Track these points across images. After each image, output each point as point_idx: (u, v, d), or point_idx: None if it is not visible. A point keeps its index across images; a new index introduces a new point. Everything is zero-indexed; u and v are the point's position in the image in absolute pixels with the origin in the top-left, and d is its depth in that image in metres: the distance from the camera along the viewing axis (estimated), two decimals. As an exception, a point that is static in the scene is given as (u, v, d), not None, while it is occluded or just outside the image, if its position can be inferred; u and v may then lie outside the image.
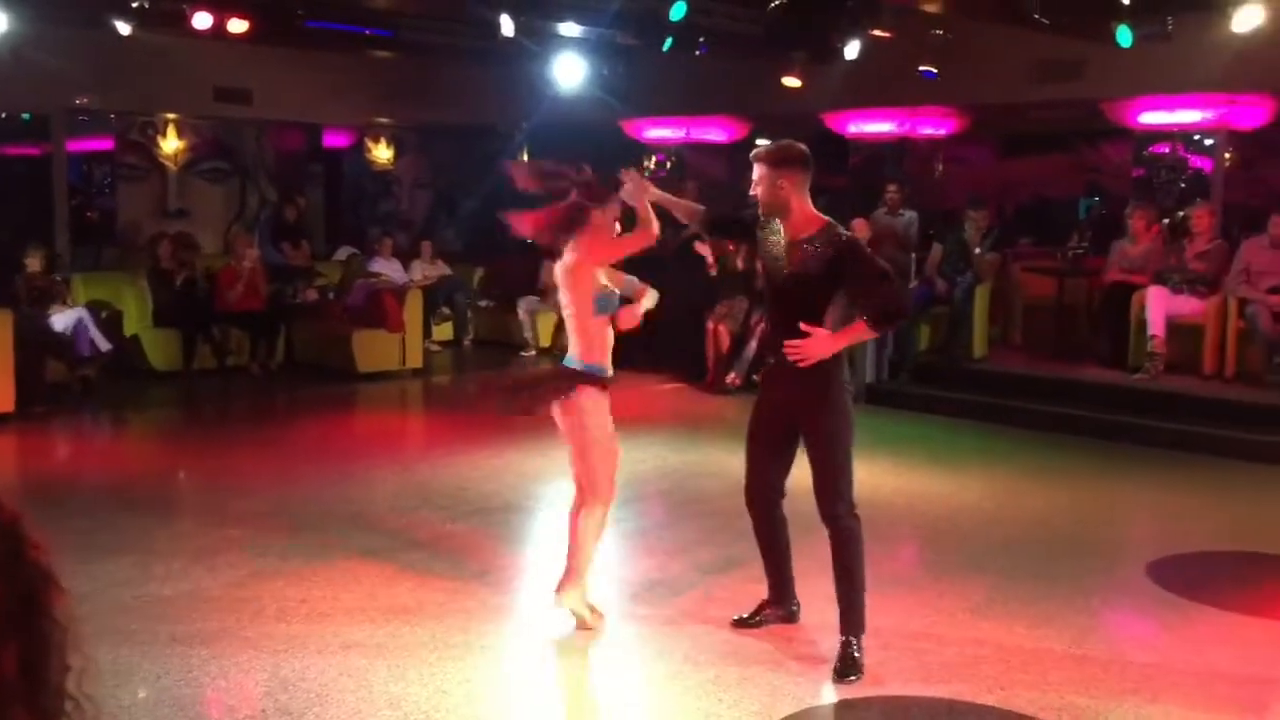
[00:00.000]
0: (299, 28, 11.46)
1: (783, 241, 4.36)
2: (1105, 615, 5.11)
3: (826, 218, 4.37)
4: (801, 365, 4.21)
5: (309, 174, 16.14)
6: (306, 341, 11.47)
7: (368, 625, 4.72)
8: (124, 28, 9.90)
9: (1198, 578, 5.57)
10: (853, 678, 4.20)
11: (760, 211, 4.41)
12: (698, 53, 10.72)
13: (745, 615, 4.76)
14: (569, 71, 11.35)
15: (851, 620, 4.31)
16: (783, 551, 4.70)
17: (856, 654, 4.26)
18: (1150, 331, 9.18)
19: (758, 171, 4.36)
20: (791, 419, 4.42)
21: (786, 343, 4.23)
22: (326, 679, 4.20)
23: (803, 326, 4.21)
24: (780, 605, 4.74)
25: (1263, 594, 5.34)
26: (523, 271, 13.20)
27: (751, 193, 4.38)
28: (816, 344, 4.22)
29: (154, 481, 7.29)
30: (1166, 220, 10.56)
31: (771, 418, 4.50)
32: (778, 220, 4.39)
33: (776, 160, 4.31)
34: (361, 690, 4.12)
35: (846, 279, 4.31)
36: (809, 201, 4.36)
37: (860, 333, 4.41)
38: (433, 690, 4.13)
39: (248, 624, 4.72)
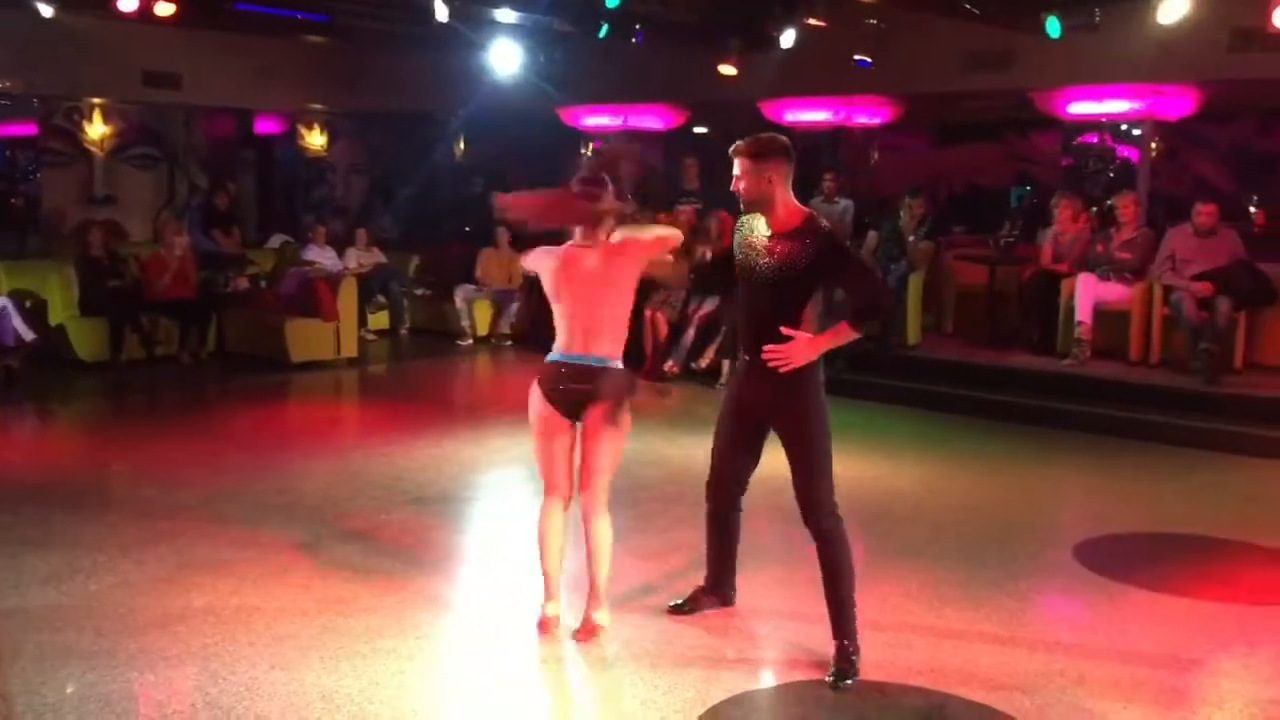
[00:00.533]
0: (228, 11, 11.27)
1: (764, 236, 4.23)
2: (1034, 597, 5.20)
3: (807, 209, 4.27)
4: (783, 371, 4.11)
5: (240, 160, 15.89)
6: (238, 330, 11.29)
7: (300, 617, 4.67)
8: (46, 9, 9.67)
9: (1123, 559, 5.69)
10: (849, 681, 4.12)
11: (743, 206, 4.28)
12: (634, 40, 10.71)
13: (680, 602, 4.78)
14: (505, 58, 11.29)
15: (843, 624, 4.21)
16: (731, 544, 4.69)
17: (853, 657, 4.18)
18: (1078, 318, 9.35)
19: (740, 166, 4.19)
20: (763, 416, 4.34)
21: (766, 348, 4.12)
22: (257, 672, 4.15)
23: (784, 330, 4.11)
24: (716, 592, 4.77)
25: (1184, 574, 5.46)
26: (459, 259, 13.13)
27: (734, 188, 4.24)
28: (799, 349, 4.10)
29: (80, 474, 7.14)
30: (1095, 209, 10.77)
31: (741, 413, 4.41)
32: (756, 216, 4.28)
33: (761, 153, 4.19)
34: (293, 683, 4.07)
35: (829, 274, 4.20)
36: (791, 194, 4.25)
37: (844, 333, 4.16)
38: (366, 683, 4.09)
39: (176, 618, 4.64)
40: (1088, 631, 4.81)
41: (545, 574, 4.53)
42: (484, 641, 4.59)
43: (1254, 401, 8.32)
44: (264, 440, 8.13)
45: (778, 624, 4.72)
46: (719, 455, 4.55)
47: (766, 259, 4.20)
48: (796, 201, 4.27)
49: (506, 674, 4.29)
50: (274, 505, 6.30)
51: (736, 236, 4.38)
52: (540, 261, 4.48)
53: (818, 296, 4.23)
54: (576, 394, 4.33)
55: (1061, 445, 8.14)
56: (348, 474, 7.05)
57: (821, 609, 4.27)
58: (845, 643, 4.21)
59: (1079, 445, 8.14)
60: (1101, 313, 9.40)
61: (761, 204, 4.23)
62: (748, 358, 4.34)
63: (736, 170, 4.24)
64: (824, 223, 4.23)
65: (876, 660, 4.29)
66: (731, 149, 4.28)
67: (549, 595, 4.55)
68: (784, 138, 4.32)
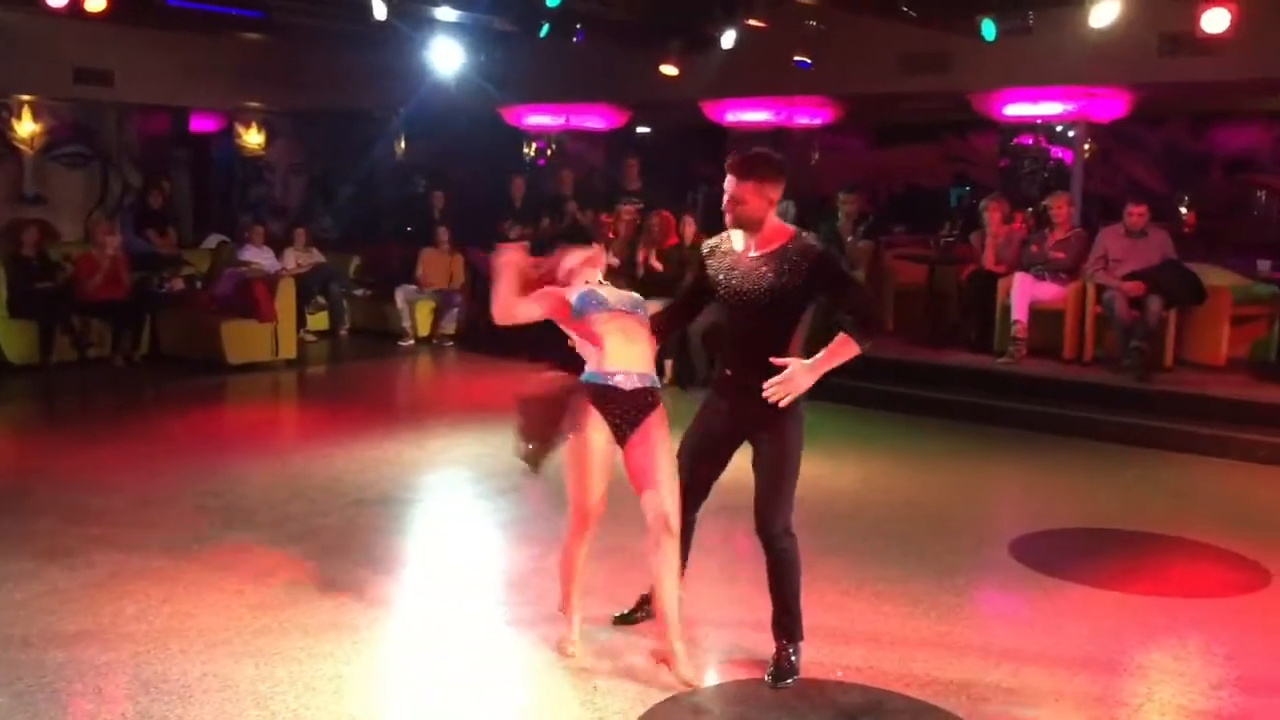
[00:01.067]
0: (161, 7, 11.07)
1: (751, 257, 4.09)
2: (971, 593, 5.26)
3: (793, 227, 4.15)
4: (782, 405, 3.98)
5: (175, 159, 15.63)
6: (173, 332, 11.10)
7: (234, 623, 4.60)
8: (-29, 4, 9.42)
9: (1058, 555, 5.78)
10: (789, 681, 4.12)
11: (730, 224, 4.13)
12: (574, 40, 10.69)
13: (626, 612, 4.71)
14: (446, 57, 11.19)
15: (787, 626, 4.20)
16: (685, 550, 4.53)
17: (793, 658, 4.17)
18: (1014, 317, 9.48)
19: (744, 188, 4.01)
20: (744, 432, 4.24)
21: (768, 385, 3.96)
22: (190, 680, 4.08)
23: (775, 360, 3.97)
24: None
25: (1117, 568, 5.56)
26: (400, 259, 13.02)
27: (729, 209, 4.07)
28: (799, 377, 3.96)
29: (8, 479, 6.97)
30: (1031, 209, 10.92)
31: (724, 429, 4.28)
32: (730, 237, 4.17)
33: (770, 176, 4.04)
34: (227, 690, 4.01)
35: (824, 291, 4.09)
36: (774, 212, 4.14)
37: (843, 351, 3.99)
38: (302, 688, 4.04)
39: (107, 625, 4.55)
40: (1024, 626, 4.88)
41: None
42: (423, 644, 4.56)
43: (1184, 398, 8.49)
44: (200, 444, 7.99)
45: (719, 625, 4.72)
46: (694, 465, 4.34)
47: (755, 279, 4.05)
48: (778, 219, 4.14)
49: (446, 677, 4.25)
50: (209, 509, 6.20)
51: (710, 260, 4.22)
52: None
53: (806, 315, 4.13)
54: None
55: (998, 442, 8.25)
56: (286, 477, 6.96)
57: (763, 611, 4.28)
58: (785, 643, 4.21)
59: (1015, 442, 8.26)
60: (1037, 311, 9.54)
61: (753, 224, 4.07)
62: (730, 373, 4.23)
63: (734, 191, 4.04)
64: (813, 239, 4.11)
65: (815, 658, 4.31)
66: (732, 167, 4.07)
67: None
68: (777, 154, 4.19)
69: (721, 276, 4.17)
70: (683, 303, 4.52)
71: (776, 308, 4.07)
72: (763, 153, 4.16)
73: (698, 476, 4.35)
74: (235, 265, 11.52)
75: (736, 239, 4.18)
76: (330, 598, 4.90)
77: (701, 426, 4.39)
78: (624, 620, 4.69)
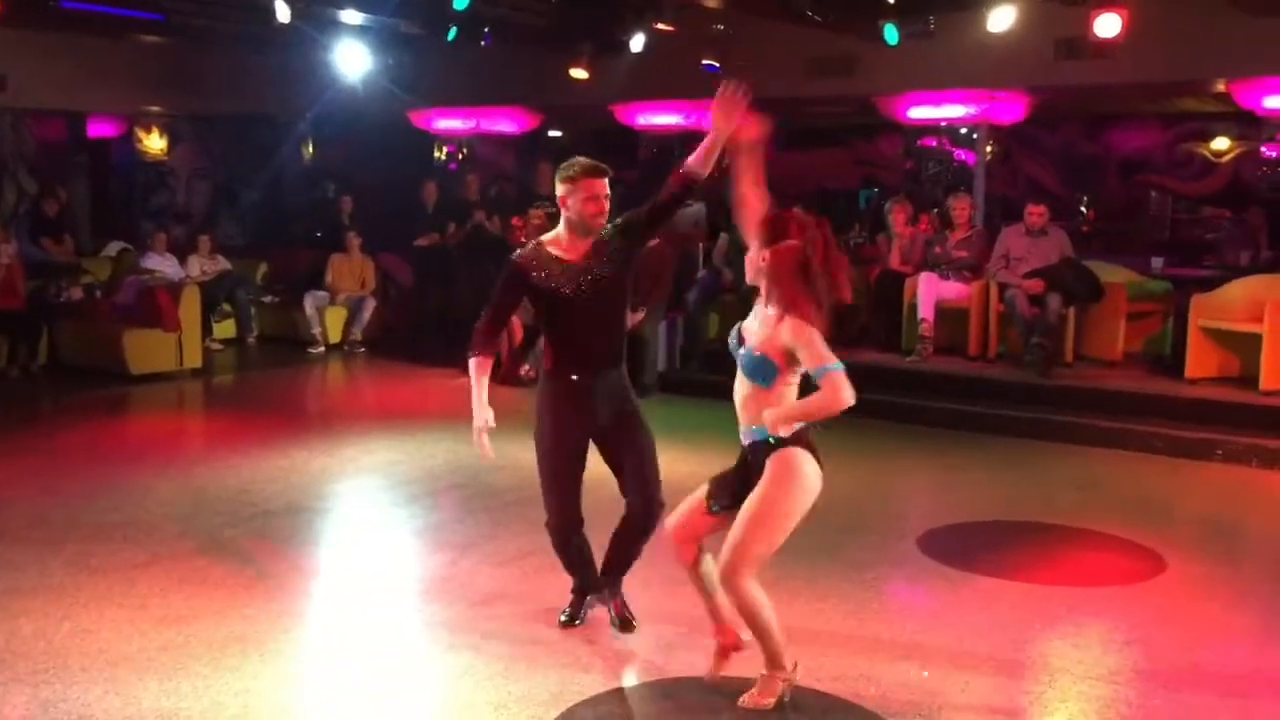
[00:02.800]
0: (56, 9, 10.76)
1: (568, 259, 4.29)
2: (879, 587, 5.34)
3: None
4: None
5: (73, 165, 15.21)
6: (73, 342, 10.79)
7: (137, 639, 4.49)
8: None
9: (964, 548, 5.91)
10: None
11: (585, 229, 4.31)
12: (483, 43, 10.64)
13: (569, 613, 4.68)
14: (352, 60, 11.06)
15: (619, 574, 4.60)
16: (591, 558, 4.63)
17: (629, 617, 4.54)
18: (920, 316, 9.66)
19: (605, 188, 4.29)
20: (598, 433, 4.39)
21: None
22: (90, 698, 3.97)
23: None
24: (596, 590, 4.67)
25: (1020, 560, 5.70)
26: (309, 265, 12.83)
27: (601, 210, 4.28)
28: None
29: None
30: (936, 210, 11.15)
31: (579, 438, 4.38)
32: (545, 244, 4.35)
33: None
34: (129, 708, 3.91)
35: (632, 240, 4.35)
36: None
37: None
38: (208, 703, 3.96)
39: (3, 646, 4.41)
40: (931, 618, 4.98)
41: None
42: (333, 655, 4.49)
43: (1084, 393, 8.74)
44: (100, 457, 7.78)
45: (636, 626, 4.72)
46: (566, 491, 4.43)
47: (585, 276, 4.26)
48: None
49: (355, 686, 4.20)
50: (110, 524, 6.04)
51: (535, 269, 4.30)
52: None
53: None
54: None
55: (907, 439, 8.40)
56: (191, 489, 6.81)
57: (671, 608, 4.31)
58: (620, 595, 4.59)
59: (923, 438, 8.41)
60: (942, 310, 9.73)
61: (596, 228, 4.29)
62: (576, 378, 4.33)
63: (605, 192, 4.25)
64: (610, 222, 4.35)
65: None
66: (599, 171, 4.28)
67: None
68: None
69: (549, 280, 4.29)
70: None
71: (612, 297, 4.31)
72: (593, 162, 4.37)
73: (571, 496, 4.47)
74: (137, 273, 11.24)
75: (554, 244, 4.35)
76: (236, 610, 4.81)
77: (554, 443, 4.42)
78: (570, 622, 4.67)
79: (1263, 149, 14.04)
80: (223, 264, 12.62)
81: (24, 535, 5.82)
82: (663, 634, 4.57)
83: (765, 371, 3.75)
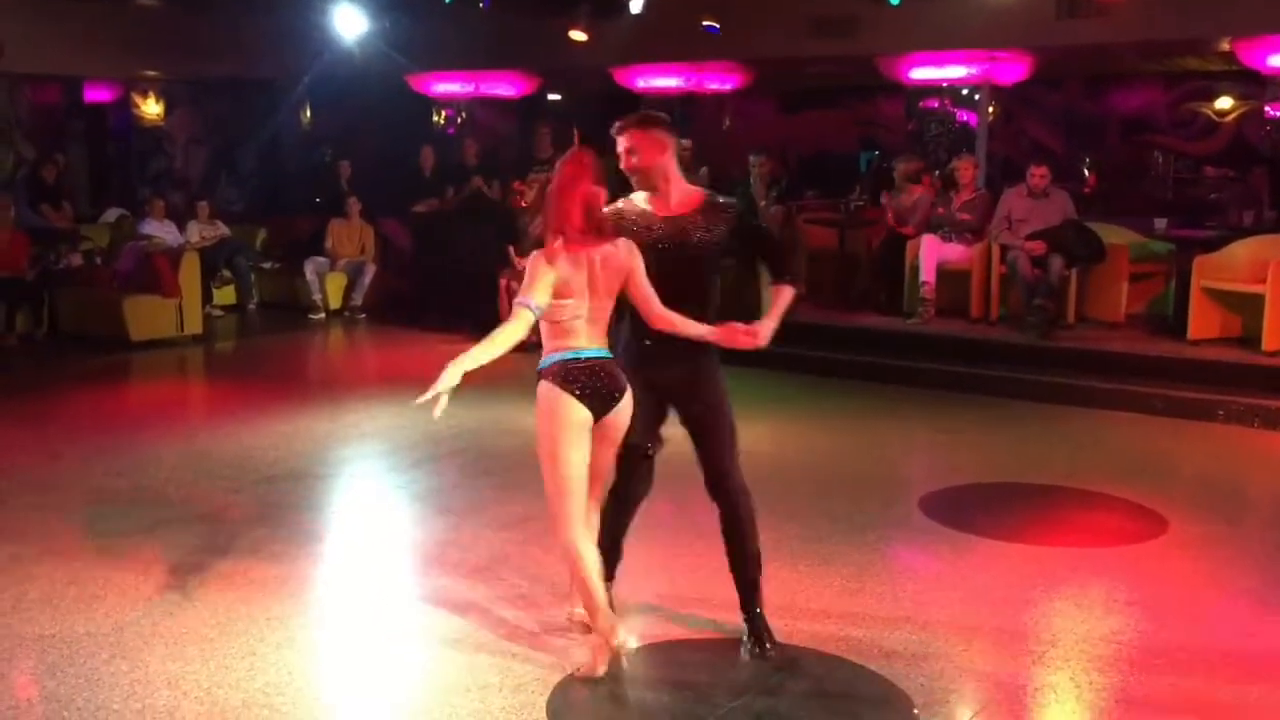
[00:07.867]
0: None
1: (659, 216, 4.05)
2: (881, 550, 5.36)
3: (704, 189, 4.17)
4: (754, 346, 3.98)
5: (70, 131, 15.13)
6: (73, 310, 10.78)
7: (143, 604, 4.51)
8: None
9: (965, 510, 5.92)
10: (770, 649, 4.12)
11: (635, 181, 4.09)
12: (481, 5, 10.56)
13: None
14: (350, 23, 10.99)
15: (755, 592, 4.20)
16: (630, 520, 4.42)
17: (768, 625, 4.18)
18: (922, 278, 9.64)
19: (630, 140, 4.01)
20: (670, 400, 4.20)
21: (733, 332, 3.94)
22: (97, 662, 4.00)
23: (745, 329, 3.95)
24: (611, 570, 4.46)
25: (1021, 521, 5.71)
26: (309, 231, 12.79)
27: (626, 165, 4.06)
28: (765, 330, 4.02)
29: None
30: (938, 171, 11.09)
31: (647, 394, 4.11)
32: (637, 199, 4.11)
33: (638, 122, 4.05)
34: (136, 671, 3.93)
35: (743, 246, 4.20)
36: (673, 166, 4.11)
37: (786, 297, 4.11)
38: (214, 666, 3.98)
39: (9, 610, 4.44)
40: (932, 580, 4.99)
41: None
42: (335, 619, 4.51)
43: (1085, 354, 8.72)
44: (103, 423, 7.79)
45: (637, 596, 4.72)
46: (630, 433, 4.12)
47: (679, 236, 4.02)
48: (686, 180, 4.15)
49: (357, 649, 4.22)
50: (114, 490, 6.06)
51: (621, 223, 4.03)
52: None
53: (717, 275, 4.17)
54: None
55: (908, 401, 8.40)
56: (193, 455, 6.82)
57: (673, 572, 4.31)
58: (759, 611, 4.18)
59: (925, 401, 8.42)
60: (944, 272, 9.71)
61: (654, 181, 4.04)
62: (649, 343, 4.11)
63: (627, 144, 4.04)
64: (726, 200, 4.15)
65: (731, 619, 4.36)
66: (618, 128, 4.06)
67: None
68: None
69: (639, 237, 4.05)
70: None
71: (704, 265, 4.09)
72: (643, 111, 4.22)
73: (638, 440, 4.17)
74: (136, 239, 11.21)
75: (640, 200, 4.13)
76: (241, 574, 4.83)
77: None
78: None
79: (1266, 108, 13.93)
80: (222, 229, 12.58)
81: (28, 501, 5.84)
82: (662, 604, 4.57)
83: None
